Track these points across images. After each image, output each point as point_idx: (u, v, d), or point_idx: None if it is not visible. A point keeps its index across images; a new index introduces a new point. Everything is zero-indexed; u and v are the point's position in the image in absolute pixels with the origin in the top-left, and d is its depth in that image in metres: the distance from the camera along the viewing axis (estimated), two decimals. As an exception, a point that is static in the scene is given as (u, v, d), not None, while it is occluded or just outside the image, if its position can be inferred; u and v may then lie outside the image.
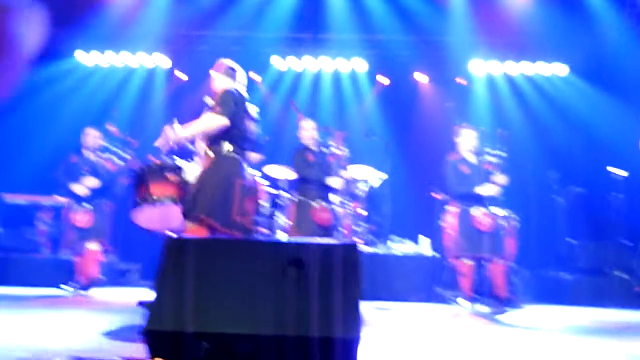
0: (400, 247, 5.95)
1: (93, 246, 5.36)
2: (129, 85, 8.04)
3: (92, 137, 5.62)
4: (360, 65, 7.91)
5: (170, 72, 8.20)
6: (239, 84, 3.60)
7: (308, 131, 5.13)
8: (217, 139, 3.31)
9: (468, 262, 4.85)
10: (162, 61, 8.07)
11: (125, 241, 7.17)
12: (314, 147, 5.14)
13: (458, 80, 7.82)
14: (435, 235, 6.06)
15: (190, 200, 3.20)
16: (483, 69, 7.77)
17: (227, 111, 3.26)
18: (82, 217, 5.32)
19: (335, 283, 1.65)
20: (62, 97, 7.48)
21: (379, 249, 5.99)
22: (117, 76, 7.97)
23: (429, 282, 5.60)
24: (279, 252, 1.72)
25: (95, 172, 5.49)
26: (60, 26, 7.62)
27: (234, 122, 3.32)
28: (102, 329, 2.39)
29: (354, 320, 1.57)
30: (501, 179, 4.92)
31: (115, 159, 5.58)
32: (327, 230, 4.78)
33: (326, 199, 5.00)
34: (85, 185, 5.41)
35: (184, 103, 7.96)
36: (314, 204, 4.90)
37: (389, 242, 6.09)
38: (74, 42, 7.68)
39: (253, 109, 3.58)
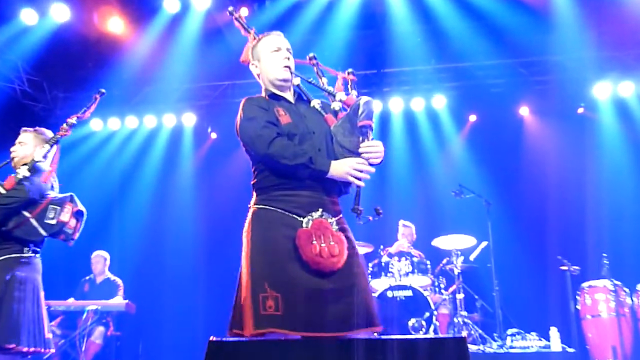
0: (520, 343, 5.57)
1: None
2: (153, 148, 8.55)
3: None
4: (440, 101, 7.83)
5: (199, 130, 8.61)
6: None
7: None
8: None
9: None
10: (189, 119, 8.46)
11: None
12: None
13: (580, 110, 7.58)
14: (568, 324, 5.79)
15: None
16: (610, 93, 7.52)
17: None
18: None
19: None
20: (77, 168, 7.93)
21: (491, 347, 5.61)
22: (138, 140, 8.52)
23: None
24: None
25: None
26: (69, 91, 8.20)
27: None
28: None
29: None
30: None
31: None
32: None
33: None
34: None
35: (216, 164, 8.41)
36: None
37: (505, 338, 5.72)
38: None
39: None
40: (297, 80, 2.85)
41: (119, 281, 7.09)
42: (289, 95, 2.83)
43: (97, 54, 7.62)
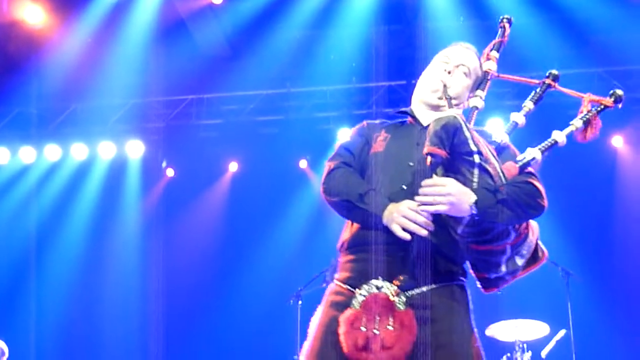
0: None
1: None
2: (83, 190, 8.51)
3: None
4: (497, 126, 7.51)
5: (150, 165, 8.45)
6: None
7: None
8: None
9: None
10: (135, 149, 8.28)
11: None
12: None
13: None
14: None
15: None
16: None
17: None
18: None
19: None
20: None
21: None
22: (62, 177, 8.46)
23: None
24: None
25: None
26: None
27: None
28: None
29: None
30: None
31: None
32: None
33: None
34: None
35: (174, 212, 8.43)
36: None
37: None
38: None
39: None
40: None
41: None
42: (429, 116, 2.69)
43: (6, 56, 7.60)
